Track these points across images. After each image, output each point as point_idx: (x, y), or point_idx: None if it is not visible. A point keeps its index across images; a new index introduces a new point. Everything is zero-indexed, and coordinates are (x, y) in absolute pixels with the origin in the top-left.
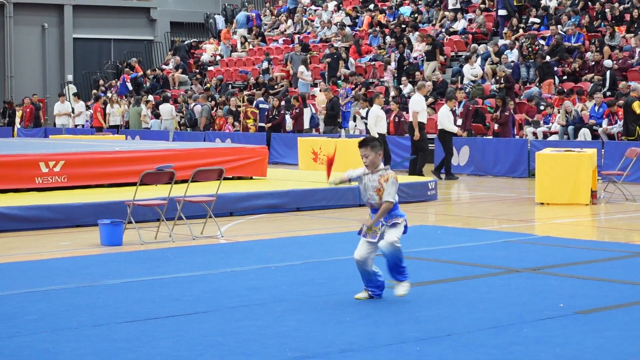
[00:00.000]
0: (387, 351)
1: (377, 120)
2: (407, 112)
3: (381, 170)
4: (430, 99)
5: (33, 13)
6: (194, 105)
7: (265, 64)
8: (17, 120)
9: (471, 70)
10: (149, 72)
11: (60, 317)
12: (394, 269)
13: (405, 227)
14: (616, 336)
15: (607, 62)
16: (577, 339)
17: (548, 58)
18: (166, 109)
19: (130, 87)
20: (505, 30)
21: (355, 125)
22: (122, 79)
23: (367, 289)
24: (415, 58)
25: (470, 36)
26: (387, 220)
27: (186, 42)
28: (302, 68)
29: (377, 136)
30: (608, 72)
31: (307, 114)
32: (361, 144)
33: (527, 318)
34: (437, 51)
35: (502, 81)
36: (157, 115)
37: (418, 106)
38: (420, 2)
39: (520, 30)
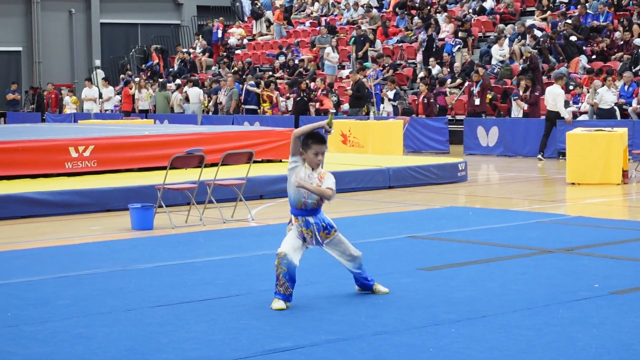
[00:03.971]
0: (421, 333)
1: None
2: (436, 94)
3: (320, 169)
4: (459, 80)
5: None
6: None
7: (282, 59)
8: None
9: (500, 51)
10: (179, 55)
11: (93, 301)
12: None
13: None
14: None
15: (637, 41)
16: (613, 319)
17: (574, 38)
18: (194, 92)
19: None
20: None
21: (384, 108)
22: (215, 27)
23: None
24: (442, 39)
25: (497, 16)
26: (319, 231)
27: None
28: (329, 49)
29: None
30: (639, 51)
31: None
32: (323, 141)
33: (562, 299)
34: (468, 40)
35: (527, 61)
36: (186, 99)
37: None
38: None
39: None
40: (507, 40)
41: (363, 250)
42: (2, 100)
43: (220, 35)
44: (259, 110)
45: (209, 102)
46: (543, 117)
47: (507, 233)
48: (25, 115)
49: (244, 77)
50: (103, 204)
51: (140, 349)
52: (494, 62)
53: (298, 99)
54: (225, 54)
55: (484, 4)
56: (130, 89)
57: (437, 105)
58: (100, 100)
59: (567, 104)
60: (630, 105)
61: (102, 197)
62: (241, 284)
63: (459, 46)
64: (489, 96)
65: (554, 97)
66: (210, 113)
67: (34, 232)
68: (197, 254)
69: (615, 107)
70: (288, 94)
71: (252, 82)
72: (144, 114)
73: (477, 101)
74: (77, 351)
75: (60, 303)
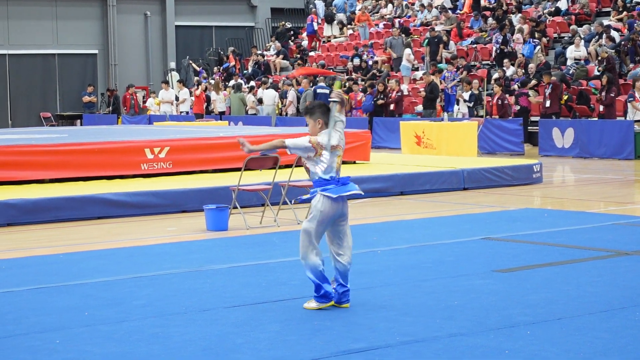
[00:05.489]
0: (497, 335)
1: None
2: (510, 95)
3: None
4: (534, 81)
5: (135, 1)
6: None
7: (356, 61)
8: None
9: (575, 52)
10: (253, 57)
11: (168, 302)
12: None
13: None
14: None
15: None
16: None
17: None
18: (269, 94)
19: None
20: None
21: (459, 109)
22: (310, 19)
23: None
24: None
25: (573, 17)
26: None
27: (289, 27)
28: (408, 51)
29: None
30: None
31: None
32: (304, 114)
33: (638, 301)
34: (542, 41)
35: (604, 62)
36: (259, 101)
37: None
38: None
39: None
40: (582, 41)
41: (439, 251)
42: (78, 102)
43: (315, 27)
44: None
45: (283, 104)
46: (619, 119)
47: (582, 235)
48: (101, 117)
49: (317, 79)
50: (178, 205)
51: (216, 349)
52: (569, 63)
53: (374, 100)
54: (299, 55)
55: (559, 5)
56: (198, 90)
57: (519, 107)
58: (176, 102)
59: None
60: None
61: (177, 198)
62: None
63: (539, 47)
64: (565, 97)
65: None
66: (284, 115)
67: (110, 232)
68: (271, 255)
69: None
70: (365, 94)
71: (322, 84)
72: (219, 115)
73: (547, 103)
74: (153, 351)
75: (136, 303)
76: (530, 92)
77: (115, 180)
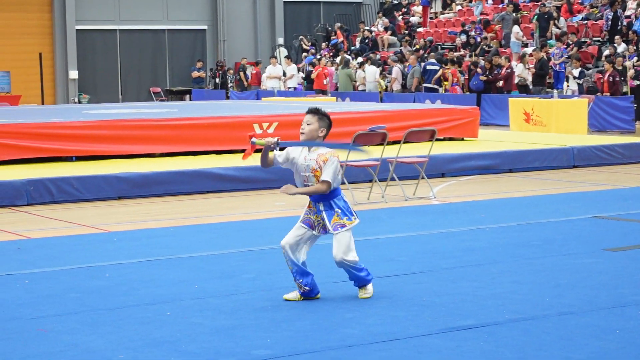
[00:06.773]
0: (607, 314)
1: None
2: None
3: (321, 150)
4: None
5: None
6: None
7: (464, 37)
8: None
9: None
10: (361, 33)
11: (277, 275)
12: (354, 279)
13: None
14: None
15: None
16: None
17: None
18: (370, 71)
19: None
20: None
21: (568, 86)
22: None
23: (299, 283)
24: (628, 17)
25: None
26: (331, 217)
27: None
28: (516, 28)
29: None
30: None
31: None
32: (309, 111)
33: None
34: None
35: None
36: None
37: None
38: None
39: None
40: None
41: (548, 229)
42: (187, 77)
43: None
44: (439, 89)
45: (387, 80)
46: None
47: None
48: (210, 92)
49: (425, 55)
50: (287, 179)
51: (324, 324)
52: None
53: (482, 76)
54: (407, 32)
55: None
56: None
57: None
58: (284, 78)
59: None
60: None
61: (286, 173)
62: (423, 261)
63: None
64: None
65: None
66: (389, 91)
67: (220, 207)
68: (379, 231)
69: None
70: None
71: (432, 61)
72: (324, 91)
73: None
74: (262, 324)
75: (245, 277)
76: None
77: (224, 155)
